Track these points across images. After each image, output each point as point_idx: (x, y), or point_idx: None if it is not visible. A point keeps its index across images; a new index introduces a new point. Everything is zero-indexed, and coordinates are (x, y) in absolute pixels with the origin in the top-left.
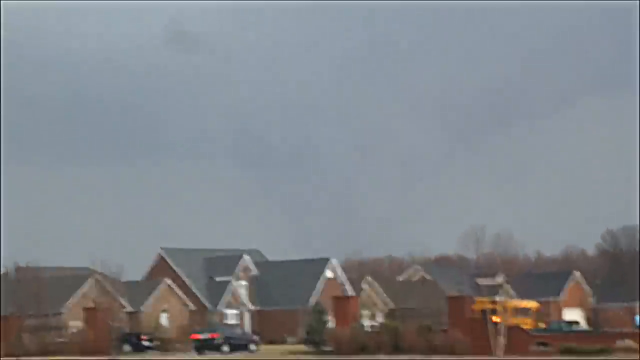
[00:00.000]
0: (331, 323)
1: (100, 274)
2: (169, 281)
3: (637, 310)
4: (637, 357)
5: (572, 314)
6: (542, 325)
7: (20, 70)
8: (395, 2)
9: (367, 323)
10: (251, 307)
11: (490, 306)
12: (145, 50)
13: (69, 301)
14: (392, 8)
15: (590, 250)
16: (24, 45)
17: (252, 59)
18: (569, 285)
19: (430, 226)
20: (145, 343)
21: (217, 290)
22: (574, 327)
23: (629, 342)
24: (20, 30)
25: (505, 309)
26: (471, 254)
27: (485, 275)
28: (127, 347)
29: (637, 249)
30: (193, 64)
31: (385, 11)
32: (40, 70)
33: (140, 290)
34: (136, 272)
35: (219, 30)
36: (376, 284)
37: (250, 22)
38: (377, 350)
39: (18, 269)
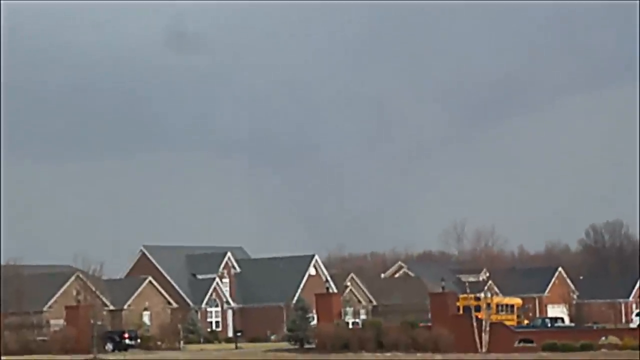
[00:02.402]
0: (314, 320)
1: (82, 271)
2: (151, 279)
3: (621, 306)
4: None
5: (556, 311)
6: (525, 321)
7: (19, 66)
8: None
9: (350, 320)
10: (234, 304)
11: (473, 303)
12: (145, 50)
13: (51, 299)
14: (393, 5)
15: (574, 246)
16: (24, 43)
17: (252, 58)
18: (553, 281)
19: (414, 223)
20: (128, 341)
21: (200, 288)
22: (558, 324)
23: (612, 338)
24: (21, 28)
25: (488, 305)
26: (453, 250)
27: (469, 272)
28: (109, 346)
29: (620, 244)
30: (192, 63)
31: (384, 8)
32: (38, 66)
33: (122, 288)
34: (118, 269)
35: (220, 30)
36: (359, 281)
37: (251, 21)
38: (361, 347)
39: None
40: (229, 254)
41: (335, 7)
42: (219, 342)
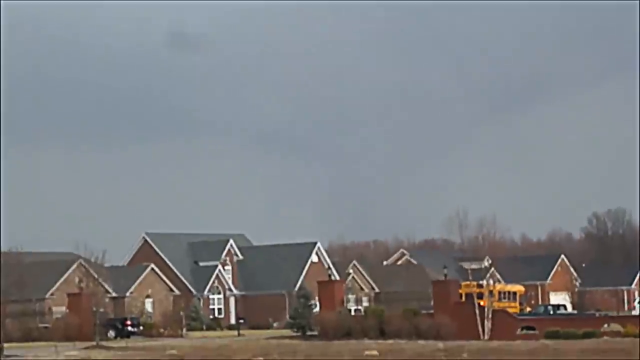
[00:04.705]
0: (317, 307)
1: (84, 259)
2: (153, 266)
3: (623, 293)
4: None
5: (559, 298)
6: (528, 309)
7: (20, 59)
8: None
9: (352, 307)
10: (236, 292)
11: (476, 290)
12: (145, 52)
13: (53, 287)
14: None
15: (576, 234)
16: (24, 41)
17: (253, 58)
18: (556, 269)
19: (417, 210)
20: (130, 328)
21: (202, 275)
22: (560, 311)
23: (614, 326)
24: (21, 27)
25: (491, 292)
26: (455, 238)
27: (471, 260)
28: (111, 333)
29: (623, 232)
30: (193, 64)
31: (389, 7)
32: (38, 62)
33: (124, 275)
34: (120, 257)
35: (221, 30)
36: (362, 268)
37: (253, 22)
38: (363, 334)
39: (0, 254)
40: (231, 241)
41: (341, 6)
42: (221, 329)
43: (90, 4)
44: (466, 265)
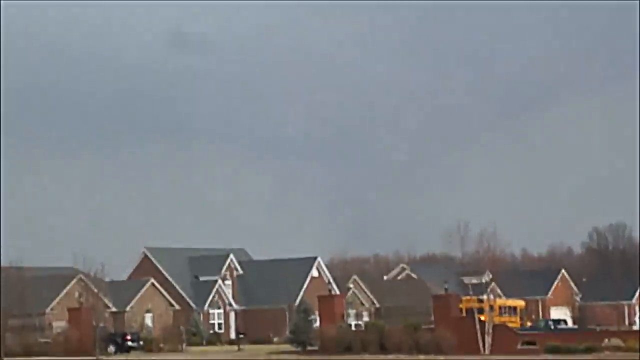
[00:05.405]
0: (317, 322)
1: (84, 273)
2: (153, 281)
3: (624, 308)
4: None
5: (559, 313)
6: (528, 323)
7: (15, 64)
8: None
9: (353, 322)
10: (236, 306)
11: (476, 305)
12: (146, 48)
13: (53, 301)
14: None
15: (577, 248)
16: (23, 43)
17: (253, 60)
18: (556, 284)
19: (417, 225)
20: (130, 343)
21: (202, 290)
22: (560, 326)
23: (616, 341)
24: (21, 28)
25: (491, 307)
26: (456, 253)
27: (472, 274)
28: (111, 348)
29: (623, 246)
30: (194, 64)
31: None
32: (34, 66)
33: (124, 290)
34: (120, 271)
35: (221, 31)
36: (362, 283)
37: (254, 22)
38: (363, 349)
39: (1, 268)
40: (231, 255)
41: (339, 6)
42: (222, 344)
43: (90, 4)
44: (467, 279)
